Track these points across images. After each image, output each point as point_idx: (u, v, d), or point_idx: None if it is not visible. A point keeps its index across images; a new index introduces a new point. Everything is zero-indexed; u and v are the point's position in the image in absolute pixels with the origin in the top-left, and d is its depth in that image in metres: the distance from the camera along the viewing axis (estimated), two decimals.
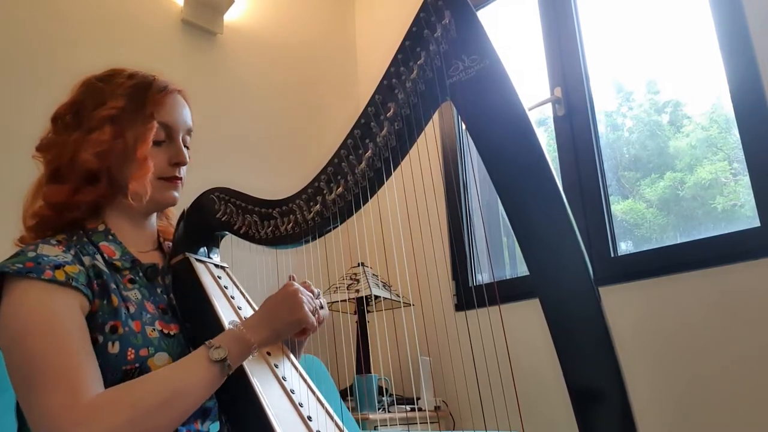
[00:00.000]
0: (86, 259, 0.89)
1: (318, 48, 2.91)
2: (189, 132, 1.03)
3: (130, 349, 0.85)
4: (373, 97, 0.87)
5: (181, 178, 1.01)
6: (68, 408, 0.74)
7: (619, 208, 2.20)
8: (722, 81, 1.86)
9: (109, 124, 0.94)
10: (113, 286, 0.89)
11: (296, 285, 0.94)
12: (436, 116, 0.86)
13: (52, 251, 0.86)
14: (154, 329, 0.90)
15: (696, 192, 2.06)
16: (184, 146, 1.02)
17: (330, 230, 0.94)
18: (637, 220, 2.19)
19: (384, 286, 2.36)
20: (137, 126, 0.95)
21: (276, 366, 0.95)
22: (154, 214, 1.07)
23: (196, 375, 0.82)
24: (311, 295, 0.96)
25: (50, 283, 0.82)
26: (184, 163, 1.00)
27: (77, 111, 0.97)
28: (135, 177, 0.94)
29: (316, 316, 0.95)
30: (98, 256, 0.92)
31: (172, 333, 0.92)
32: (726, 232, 1.85)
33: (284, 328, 0.91)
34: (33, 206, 0.96)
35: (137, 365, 0.85)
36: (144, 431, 0.76)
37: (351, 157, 0.89)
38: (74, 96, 0.99)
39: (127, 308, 0.89)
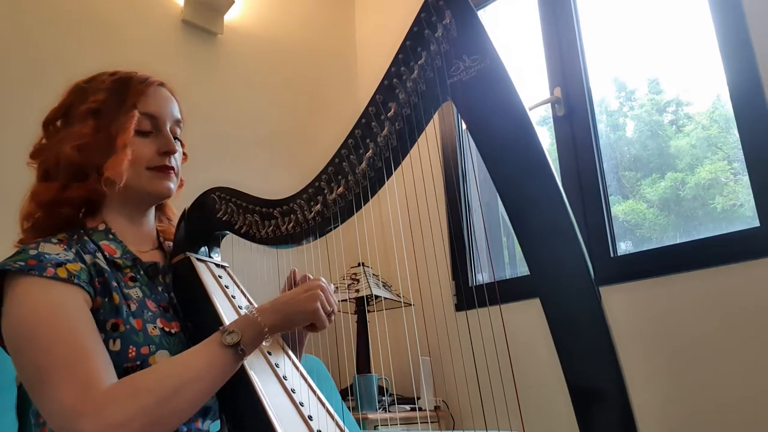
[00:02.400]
0: (87, 258, 0.89)
1: (318, 48, 2.91)
2: (178, 123, 1.03)
3: (131, 346, 0.85)
4: (373, 96, 0.87)
5: (173, 168, 1.00)
6: (83, 398, 0.74)
7: (620, 209, 2.21)
8: (722, 80, 1.86)
9: (90, 118, 0.95)
10: (114, 284, 0.90)
11: (323, 282, 0.92)
12: (436, 116, 0.86)
13: (53, 249, 0.87)
14: (155, 327, 0.90)
15: (696, 192, 2.06)
16: (175, 138, 1.01)
17: (330, 230, 0.94)
18: (637, 220, 2.19)
19: (384, 286, 2.36)
20: (119, 117, 0.94)
21: (277, 365, 0.96)
22: (153, 214, 1.07)
23: (210, 360, 0.82)
24: (333, 297, 0.93)
25: (52, 280, 0.82)
26: (172, 151, 0.99)
27: (65, 114, 0.98)
28: (111, 163, 0.93)
29: (331, 318, 0.92)
30: (99, 255, 0.92)
31: (173, 331, 0.92)
32: (726, 232, 1.85)
33: (296, 317, 0.89)
34: (27, 210, 0.96)
35: (138, 363, 0.85)
36: (160, 417, 0.76)
37: (352, 156, 0.90)
38: (62, 100, 1.00)
39: (129, 306, 0.89)
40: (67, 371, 0.76)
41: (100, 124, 0.94)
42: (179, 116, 1.03)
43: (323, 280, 0.94)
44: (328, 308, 0.91)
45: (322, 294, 0.90)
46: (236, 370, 0.85)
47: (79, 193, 0.94)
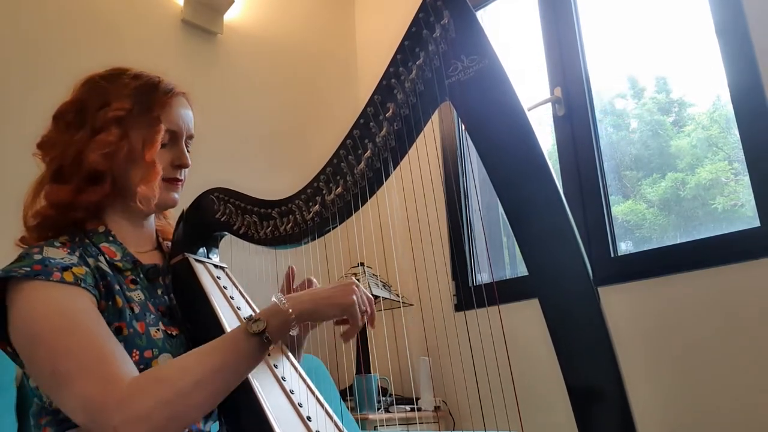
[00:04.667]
0: (90, 261, 0.89)
1: (318, 48, 2.90)
2: (191, 136, 1.04)
3: (134, 350, 0.85)
4: (372, 97, 0.86)
5: (182, 180, 1.02)
6: (106, 391, 0.74)
7: (619, 209, 2.20)
8: (722, 80, 1.86)
9: (115, 126, 0.94)
10: (117, 287, 0.89)
11: (357, 282, 0.91)
12: (436, 117, 0.86)
13: (57, 254, 0.86)
14: (158, 330, 0.90)
15: (697, 192, 2.06)
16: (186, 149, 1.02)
17: (329, 230, 0.94)
18: (637, 220, 2.19)
19: (384, 286, 2.36)
20: (143, 128, 0.95)
21: (275, 366, 0.95)
22: (153, 216, 1.07)
23: (235, 350, 0.80)
24: (370, 298, 0.93)
25: (59, 284, 0.82)
26: (186, 166, 1.01)
27: (80, 110, 0.97)
28: (144, 181, 0.94)
29: (366, 313, 0.91)
30: (101, 258, 0.92)
31: (174, 334, 0.92)
32: (726, 232, 1.85)
33: (327, 307, 0.87)
34: (34, 206, 0.96)
35: (141, 367, 0.84)
36: (182, 408, 0.76)
37: (350, 157, 0.89)
38: (77, 94, 0.99)
39: (131, 309, 0.89)
40: (87, 368, 0.76)
41: (123, 132, 0.94)
42: (192, 127, 1.04)
43: (355, 281, 0.91)
44: (363, 307, 0.89)
45: (358, 290, 0.89)
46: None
47: (93, 198, 0.94)
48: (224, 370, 0.79)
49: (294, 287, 1.06)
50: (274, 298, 0.85)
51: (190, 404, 0.76)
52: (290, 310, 0.83)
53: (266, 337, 0.81)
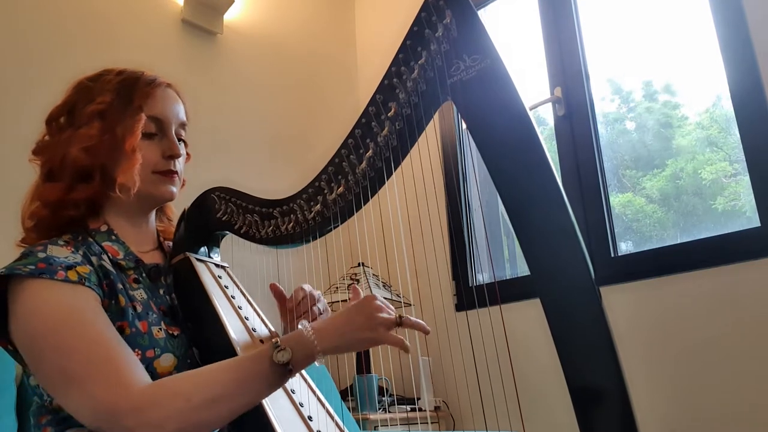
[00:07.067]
0: (94, 259, 0.89)
1: (318, 48, 2.90)
2: (183, 126, 1.02)
3: (136, 349, 0.85)
4: (374, 96, 0.86)
5: (176, 172, 1.00)
6: (119, 396, 0.74)
7: (617, 200, 2.20)
8: (723, 80, 1.86)
9: (97, 120, 0.94)
10: (120, 286, 0.89)
11: (379, 299, 0.83)
12: (436, 116, 0.86)
13: (61, 252, 0.86)
14: (160, 329, 0.90)
15: (697, 189, 2.06)
16: (179, 140, 1.01)
17: (330, 230, 0.94)
18: (636, 215, 2.19)
19: (384, 286, 2.35)
20: (126, 119, 0.94)
21: None
22: (153, 214, 1.07)
23: (256, 375, 0.78)
24: (390, 309, 0.84)
25: (64, 282, 0.81)
26: (177, 156, 0.99)
27: (70, 112, 0.97)
28: (123, 169, 0.93)
29: (398, 325, 0.83)
30: (104, 256, 0.92)
31: (175, 334, 0.92)
32: (726, 231, 1.85)
33: (357, 342, 0.81)
34: (30, 208, 0.96)
35: (143, 366, 0.84)
36: (194, 423, 0.75)
37: (352, 156, 0.89)
38: (67, 97, 0.99)
39: (134, 308, 0.89)
40: (98, 369, 0.76)
41: (106, 125, 0.94)
42: (184, 118, 1.03)
43: (377, 296, 0.84)
44: (391, 323, 0.81)
45: (383, 312, 0.81)
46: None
47: (84, 194, 0.94)
48: (241, 392, 0.77)
49: (296, 303, 1.02)
50: (300, 326, 0.81)
51: (202, 420, 0.76)
52: (316, 343, 0.79)
53: (290, 368, 0.78)
